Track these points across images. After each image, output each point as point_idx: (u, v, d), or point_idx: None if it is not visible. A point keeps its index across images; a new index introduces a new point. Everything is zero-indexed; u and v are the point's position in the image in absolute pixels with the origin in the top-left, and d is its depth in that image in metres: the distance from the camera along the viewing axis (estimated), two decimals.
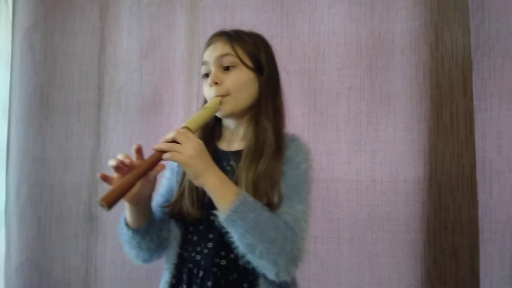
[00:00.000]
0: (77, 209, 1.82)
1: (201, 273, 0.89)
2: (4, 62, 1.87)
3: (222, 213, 0.80)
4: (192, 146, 0.79)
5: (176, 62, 1.77)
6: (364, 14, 1.50)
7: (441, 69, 1.43)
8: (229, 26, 1.62)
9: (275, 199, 0.85)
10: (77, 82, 1.85)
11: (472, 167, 1.29)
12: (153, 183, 0.86)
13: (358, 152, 1.49)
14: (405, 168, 1.44)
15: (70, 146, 1.83)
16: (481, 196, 1.20)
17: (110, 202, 0.72)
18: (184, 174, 0.94)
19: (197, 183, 0.82)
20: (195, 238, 0.93)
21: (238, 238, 0.80)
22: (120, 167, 0.81)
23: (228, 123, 1.00)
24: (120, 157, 0.81)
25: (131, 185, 0.77)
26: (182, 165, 0.80)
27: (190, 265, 0.91)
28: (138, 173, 0.78)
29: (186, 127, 0.84)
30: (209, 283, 0.87)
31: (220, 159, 0.95)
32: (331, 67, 1.53)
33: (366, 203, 1.47)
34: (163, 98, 1.79)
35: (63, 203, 1.82)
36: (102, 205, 0.72)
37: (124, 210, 0.90)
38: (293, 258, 0.81)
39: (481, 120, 1.20)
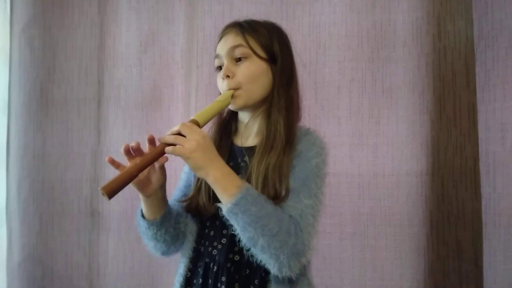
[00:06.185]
0: (79, 205, 1.82)
1: (215, 268, 0.89)
2: (2, 58, 1.86)
3: (224, 206, 0.80)
4: (195, 139, 0.79)
5: (175, 56, 1.76)
6: (365, 5, 1.48)
7: (444, 60, 1.42)
8: (227, 18, 1.63)
9: (283, 192, 0.84)
10: (76, 78, 1.85)
11: (476, 159, 1.28)
12: (161, 174, 0.87)
13: (360, 146, 1.48)
14: (408, 161, 1.43)
15: (70, 142, 1.83)
16: (485, 189, 1.19)
17: (110, 191, 0.73)
18: None
19: (198, 175, 0.83)
20: (212, 233, 0.93)
21: (240, 231, 0.80)
22: (130, 152, 0.84)
23: (243, 117, 0.99)
24: (132, 144, 0.83)
25: (133, 176, 0.78)
26: (184, 159, 0.80)
27: (207, 260, 0.91)
28: (141, 165, 0.79)
29: (194, 120, 0.84)
30: (223, 278, 0.87)
31: (236, 155, 0.95)
32: (332, 60, 1.51)
33: (368, 197, 1.46)
34: (162, 92, 1.79)
35: (65, 199, 1.82)
36: (103, 194, 0.73)
37: (140, 201, 0.92)
38: (296, 253, 0.79)
39: (485, 112, 1.19)
